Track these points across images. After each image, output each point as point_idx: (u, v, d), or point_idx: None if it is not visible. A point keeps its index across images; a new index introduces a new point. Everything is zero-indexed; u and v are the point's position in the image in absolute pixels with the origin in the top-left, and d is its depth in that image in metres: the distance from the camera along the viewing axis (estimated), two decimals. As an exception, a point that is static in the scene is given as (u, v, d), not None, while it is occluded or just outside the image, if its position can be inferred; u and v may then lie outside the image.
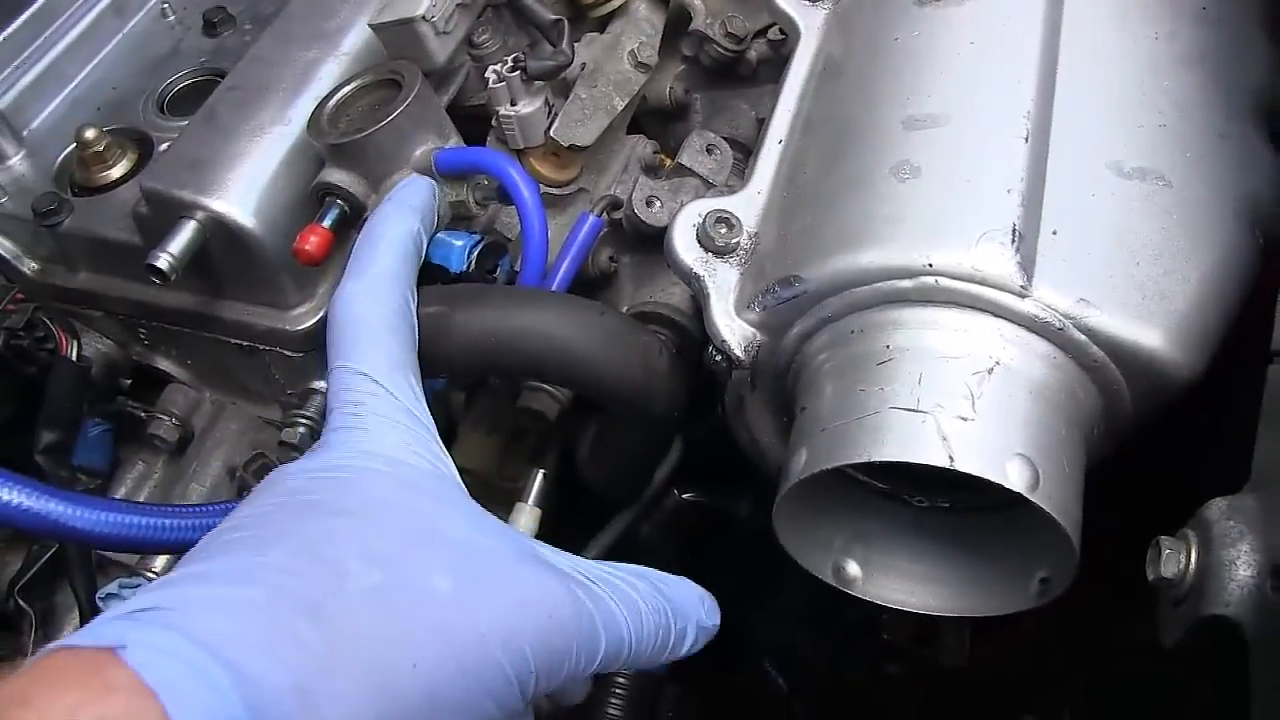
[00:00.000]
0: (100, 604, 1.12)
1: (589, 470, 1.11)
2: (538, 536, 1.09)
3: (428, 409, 0.82)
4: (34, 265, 1.29)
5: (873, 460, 0.71)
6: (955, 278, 0.76)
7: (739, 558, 1.44)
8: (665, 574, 0.79)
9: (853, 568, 0.86)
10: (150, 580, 1.20)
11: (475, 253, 0.94)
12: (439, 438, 0.81)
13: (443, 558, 0.68)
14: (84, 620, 1.20)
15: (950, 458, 0.70)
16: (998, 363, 0.75)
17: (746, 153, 1.17)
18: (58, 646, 0.56)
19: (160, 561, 1.21)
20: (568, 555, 0.76)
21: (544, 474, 1.12)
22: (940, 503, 0.89)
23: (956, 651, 1.18)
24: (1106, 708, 1.17)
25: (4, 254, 1.27)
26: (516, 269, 1.01)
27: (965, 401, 0.72)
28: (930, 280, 0.76)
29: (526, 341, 0.86)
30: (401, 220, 0.92)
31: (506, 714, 0.65)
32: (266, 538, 0.67)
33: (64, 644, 0.56)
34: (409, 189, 0.96)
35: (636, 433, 0.99)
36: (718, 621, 0.82)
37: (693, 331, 1.05)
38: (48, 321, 1.19)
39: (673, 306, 1.05)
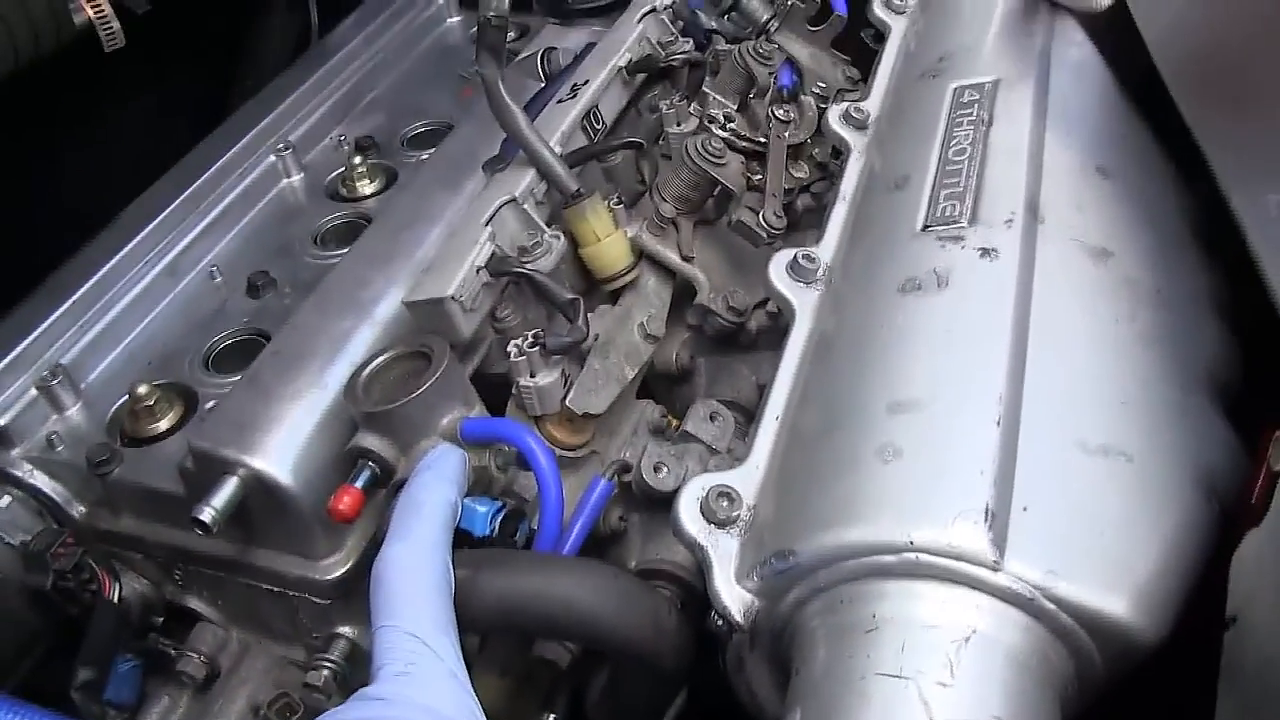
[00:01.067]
0: None
1: (598, 717, 1.17)
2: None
3: (465, 669, 0.89)
4: (82, 509, 1.36)
5: (863, 733, 0.79)
6: (934, 554, 0.84)
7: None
8: None
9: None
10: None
11: (498, 519, 1.03)
12: (476, 697, 0.88)
13: None
14: None
15: (930, 725, 0.77)
16: (975, 631, 0.82)
17: (748, 416, 1.27)
18: None
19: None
20: None
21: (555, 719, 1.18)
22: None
23: None
24: None
25: (56, 498, 1.36)
26: (534, 527, 1.09)
27: (944, 669, 0.79)
28: (912, 556, 0.84)
29: (546, 604, 0.95)
30: (440, 489, 1.01)
31: None
32: None
33: None
34: (446, 460, 1.05)
35: (645, 685, 1.06)
36: None
37: (697, 587, 1.12)
38: (93, 564, 1.27)
39: (678, 564, 1.13)
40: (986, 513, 0.85)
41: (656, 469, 1.14)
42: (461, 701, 0.86)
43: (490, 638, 1.27)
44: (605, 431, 1.28)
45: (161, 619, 1.39)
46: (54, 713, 0.92)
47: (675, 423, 1.29)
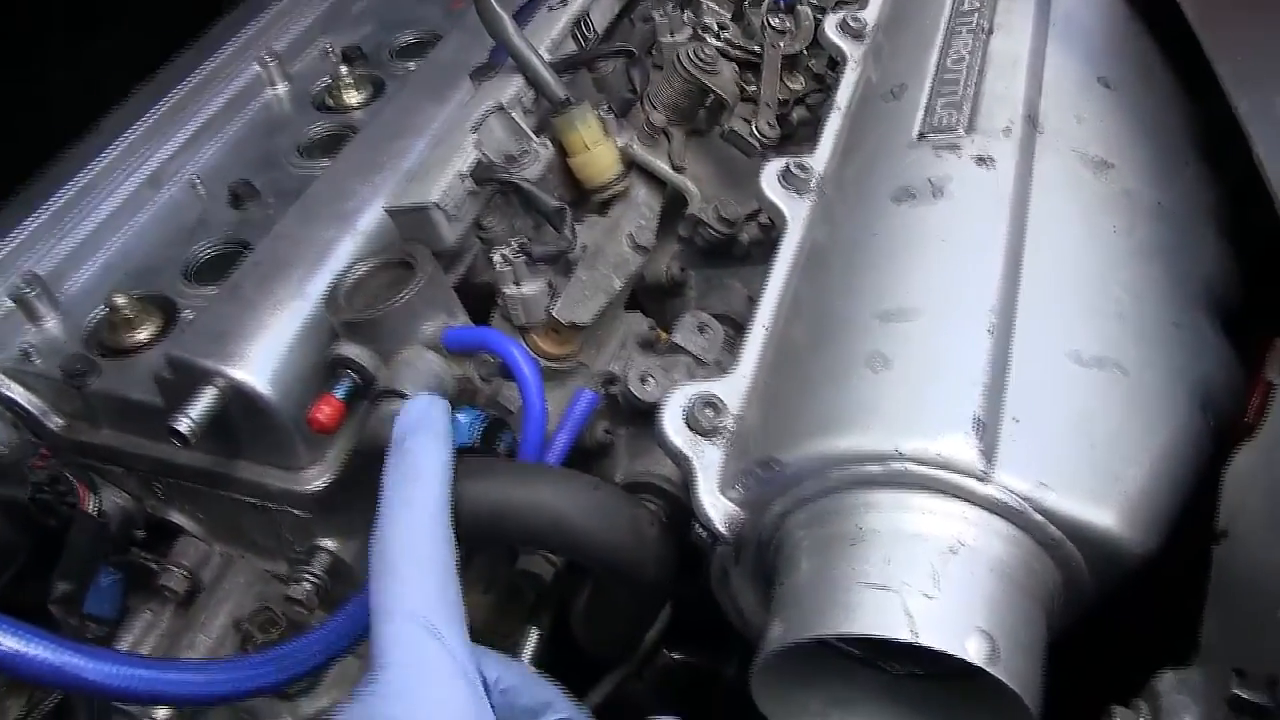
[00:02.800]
0: (102, 757, 1.16)
1: (582, 631, 1.16)
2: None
3: (475, 664, 0.83)
4: (59, 421, 1.35)
5: (842, 635, 0.77)
6: (922, 464, 0.82)
7: (727, 716, 1.48)
8: None
9: (829, 734, 0.91)
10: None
11: (481, 429, 1.01)
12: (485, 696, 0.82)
13: None
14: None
15: (914, 633, 0.75)
16: (961, 543, 0.80)
17: (738, 329, 1.24)
18: None
19: (164, 711, 1.24)
20: None
21: (539, 634, 1.17)
22: (914, 670, 0.94)
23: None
24: None
25: (33, 410, 1.34)
26: (518, 441, 1.07)
27: (930, 580, 0.78)
28: (899, 466, 0.82)
29: (528, 514, 0.93)
30: (437, 450, 0.91)
31: None
32: None
33: None
34: (435, 413, 0.94)
35: (628, 598, 1.05)
36: None
37: (683, 500, 1.10)
38: (70, 477, 1.25)
39: (664, 477, 1.11)
40: (976, 423, 0.83)
41: (643, 380, 1.12)
42: (469, 706, 0.79)
43: (474, 553, 1.26)
44: (592, 344, 1.26)
45: (143, 533, 1.38)
46: (29, 626, 0.90)
47: (664, 336, 1.27)
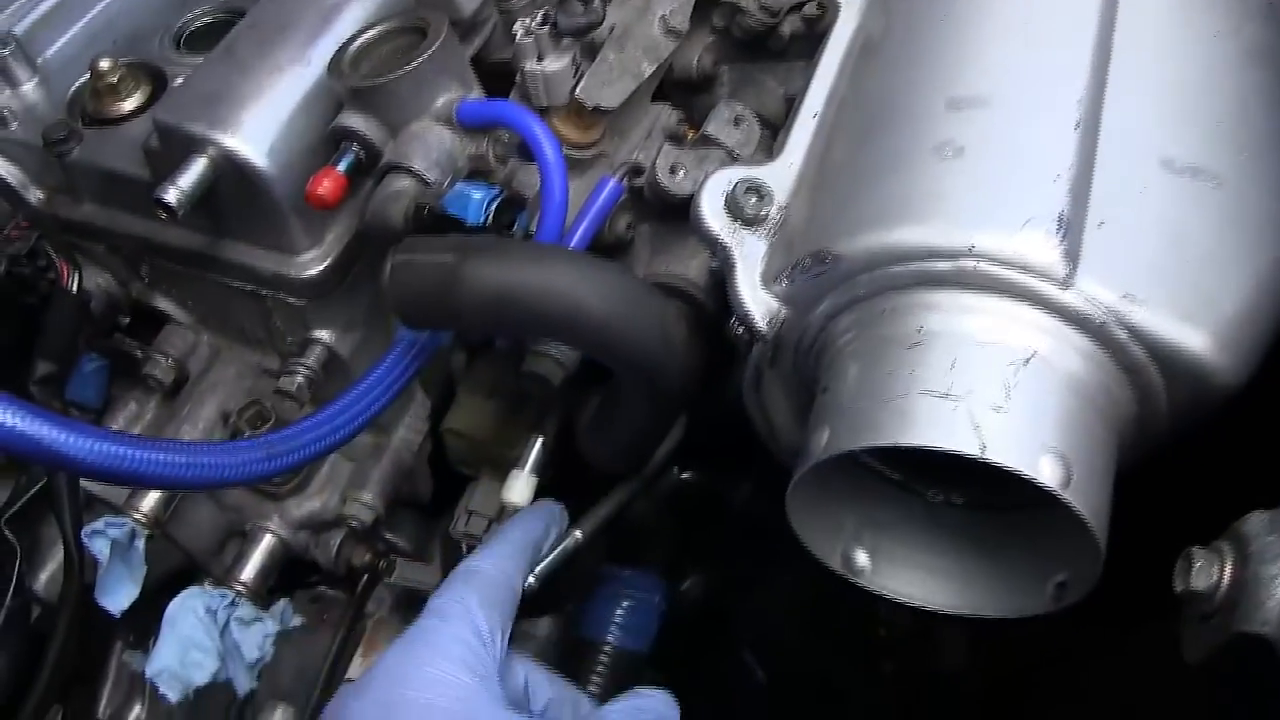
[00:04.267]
0: (86, 541, 1.09)
1: (590, 443, 1.08)
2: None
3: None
4: (40, 194, 1.25)
5: (899, 444, 0.68)
6: (997, 262, 0.72)
7: (730, 544, 1.41)
8: None
9: (861, 557, 0.83)
10: (137, 520, 1.16)
11: (493, 206, 0.91)
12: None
13: None
14: (69, 556, 1.17)
15: (982, 446, 0.66)
16: (1035, 354, 0.71)
17: (773, 130, 1.14)
18: None
19: (148, 502, 1.18)
20: None
21: (543, 441, 1.08)
22: (955, 499, 0.86)
23: (955, 653, 1.15)
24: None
25: (10, 180, 1.24)
26: (533, 230, 0.97)
27: (999, 391, 0.69)
28: (970, 264, 0.73)
29: (541, 298, 0.82)
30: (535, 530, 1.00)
31: None
32: None
33: None
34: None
35: (644, 406, 0.95)
36: None
37: (708, 306, 1.01)
38: (50, 251, 1.16)
39: (689, 280, 1.02)
40: (1060, 221, 0.73)
41: (673, 170, 1.01)
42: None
43: (478, 356, 1.17)
44: (616, 132, 1.14)
45: (127, 319, 1.30)
46: (11, 397, 0.80)
47: (692, 132, 1.16)
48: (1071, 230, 0.73)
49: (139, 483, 0.92)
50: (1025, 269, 0.72)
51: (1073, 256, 0.73)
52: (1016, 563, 0.81)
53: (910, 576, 0.83)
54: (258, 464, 0.81)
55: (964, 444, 0.67)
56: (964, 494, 0.85)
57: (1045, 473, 0.66)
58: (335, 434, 0.87)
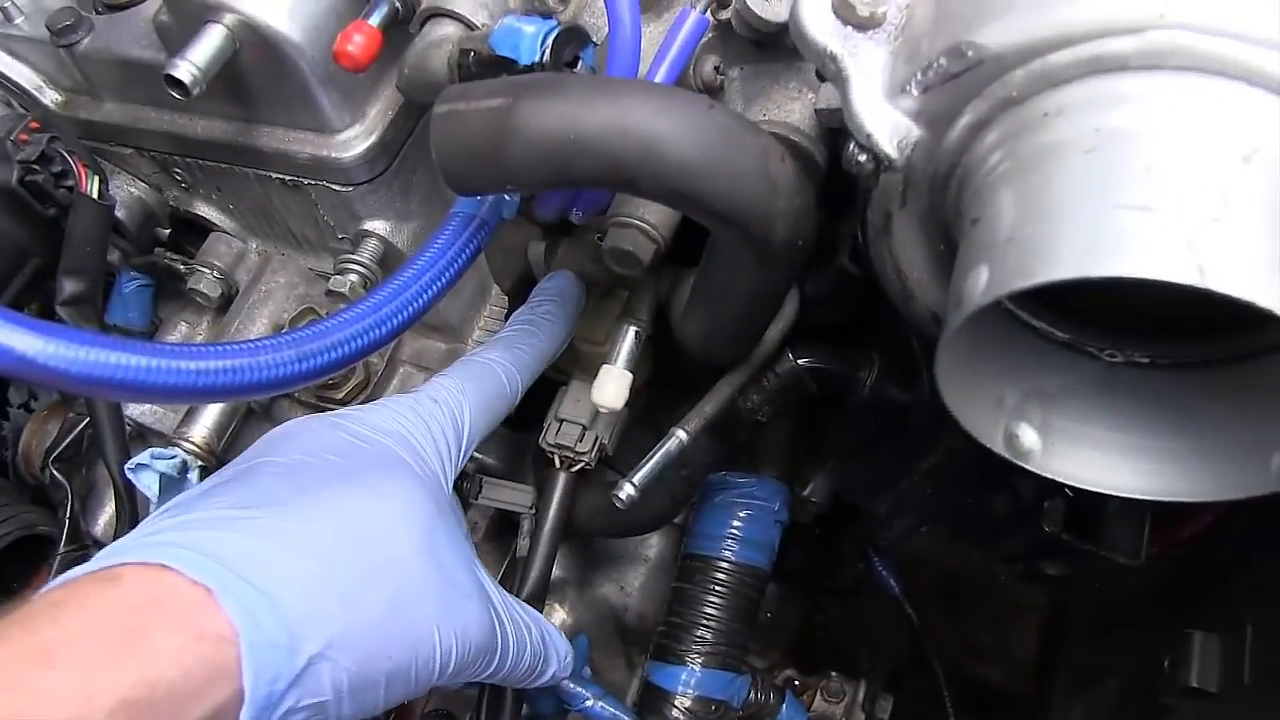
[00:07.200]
0: (130, 474, 0.97)
1: (687, 325, 0.93)
2: (628, 405, 0.93)
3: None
4: (57, 97, 1.14)
5: (1089, 276, 0.51)
6: (1198, 31, 0.54)
7: (857, 440, 1.25)
8: (549, 625, 0.93)
9: (1029, 435, 0.66)
10: (188, 451, 1.05)
11: (550, 39, 0.75)
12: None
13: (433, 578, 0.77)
14: (118, 495, 1.06)
15: (1200, 271, 0.49)
16: (1257, 149, 0.54)
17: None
18: (157, 566, 0.63)
19: (199, 429, 1.06)
20: (500, 592, 0.87)
21: (635, 330, 0.94)
22: (1138, 356, 0.69)
23: (1133, 550, 0.98)
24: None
25: (22, 82, 1.12)
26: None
27: (1218, 198, 0.52)
28: (1162, 36, 0.55)
29: (614, 140, 0.66)
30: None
31: (422, 676, 0.76)
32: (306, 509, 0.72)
33: (163, 565, 0.62)
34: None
35: (747, 268, 0.78)
36: (569, 671, 0.95)
37: (817, 157, 0.85)
38: (65, 154, 1.04)
39: (792, 126, 0.85)
40: (1281, -26, 0.55)
41: (767, -4, 0.83)
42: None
43: (558, 245, 1.02)
44: (694, -40, 0.97)
45: (167, 231, 1.18)
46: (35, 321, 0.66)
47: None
48: (1295, -15, 0.55)
49: (135, 395, 0.77)
50: (1238, 37, 0.54)
51: (1301, 18, 0.55)
52: (1225, 432, 0.64)
53: (1091, 457, 0.67)
54: (284, 365, 0.67)
55: (1177, 270, 0.49)
56: (1149, 349, 0.68)
57: (1287, 300, 0.49)
58: (378, 328, 0.73)
